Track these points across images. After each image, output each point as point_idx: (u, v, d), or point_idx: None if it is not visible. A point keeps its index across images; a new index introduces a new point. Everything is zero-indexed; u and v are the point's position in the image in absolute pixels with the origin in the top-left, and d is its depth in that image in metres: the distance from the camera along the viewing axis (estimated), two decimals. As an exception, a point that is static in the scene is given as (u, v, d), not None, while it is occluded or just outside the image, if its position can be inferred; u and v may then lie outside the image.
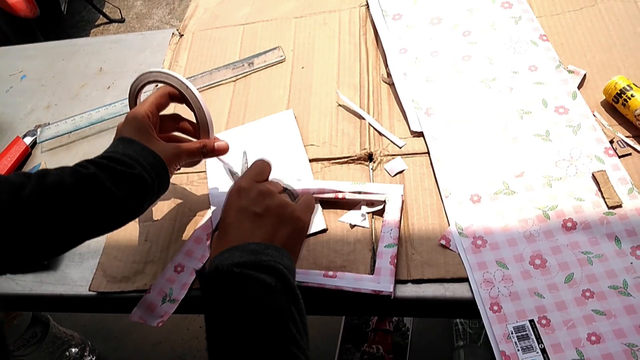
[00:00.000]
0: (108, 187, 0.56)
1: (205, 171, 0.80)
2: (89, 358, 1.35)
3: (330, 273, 0.64)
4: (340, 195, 0.71)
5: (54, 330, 1.25)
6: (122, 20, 2.93)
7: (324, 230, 0.70)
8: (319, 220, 0.70)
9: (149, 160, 0.60)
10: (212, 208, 0.75)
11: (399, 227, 0.67)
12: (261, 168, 0.61)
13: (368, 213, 0.70)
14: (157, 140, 0.63)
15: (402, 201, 0.69)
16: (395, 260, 0.64)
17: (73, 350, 1.32)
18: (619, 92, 0.70)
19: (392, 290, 0.62)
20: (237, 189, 0.57)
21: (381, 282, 0.63)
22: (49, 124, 0.94)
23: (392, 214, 0.68)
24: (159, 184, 0.61)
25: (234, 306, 0.48)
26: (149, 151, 0.61)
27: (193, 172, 0.81)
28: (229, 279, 0.48)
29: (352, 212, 0.71)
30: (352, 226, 0.69)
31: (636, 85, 0.70)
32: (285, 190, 0.61)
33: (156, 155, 0.61)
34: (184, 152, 0.65)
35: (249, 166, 0.63)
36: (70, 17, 2.92)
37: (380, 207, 0.70)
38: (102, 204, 0.56)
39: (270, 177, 0.62)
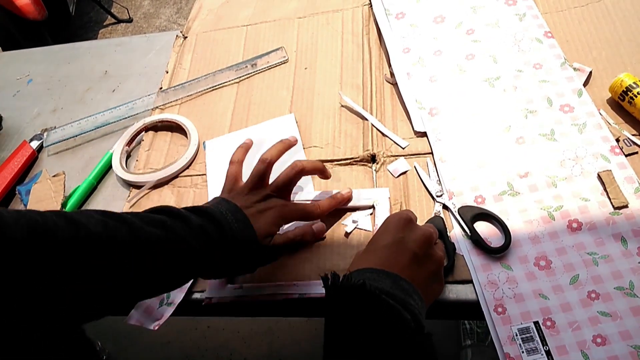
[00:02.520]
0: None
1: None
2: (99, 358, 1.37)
3: None
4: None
5: (63, 331, 1.26)
6: (130, 20, 2.95)
7: (321, 238, 0.69)
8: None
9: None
10: None
11: None
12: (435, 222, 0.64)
13: (354, 223, 0.70)
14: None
15: (390, 205, 0.70)
16: None
17: (83, 350, 1.33)
18: (625, 89, 0.69)
19: None
20: (400, 218, 0.57)
21: None
22: (55, 127, 0.95)
23: (382, 219, 0.68)
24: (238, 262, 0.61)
25: (369, 330, 0.46)
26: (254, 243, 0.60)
27: (197, 175, 0.81)
28: (374, 301, 0.47)
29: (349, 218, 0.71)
30: (347, 234, 0.69)
31: (642, 83, 0.69)
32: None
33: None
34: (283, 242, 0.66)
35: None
36: (78, 19, 2.95)
37: (369, 211, 0.70)
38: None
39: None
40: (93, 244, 0.47)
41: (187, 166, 0.82)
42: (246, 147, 0.72)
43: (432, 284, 0.56)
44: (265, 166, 0.65)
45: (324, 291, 0.51)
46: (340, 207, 0.70)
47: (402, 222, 0.57)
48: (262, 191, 0.65)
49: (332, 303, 0.49)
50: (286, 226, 0.69)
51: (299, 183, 0.71)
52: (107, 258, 0.48)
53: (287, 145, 0.70)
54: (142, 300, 0.64)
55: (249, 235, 0.59)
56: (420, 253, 0.54)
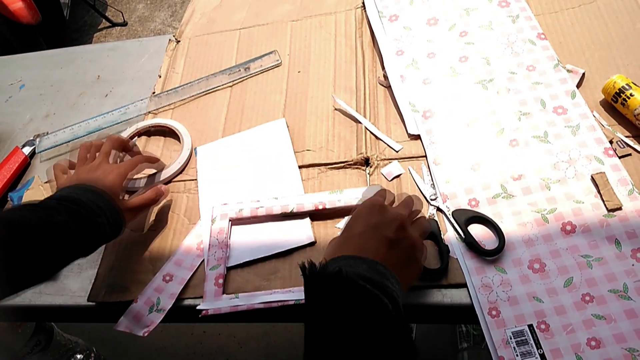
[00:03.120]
0: (75, 235, 0.61)
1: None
2: (94, 364, 1.36)
3: None
4: (320, 207, 0.70)
5: (58, 337, 1.25)
6: (124, 24, 2.94)
7: (312, 244, 0.69)
8: (307, 233, 0.70)
9: (113, 215, 0.65)
10: (202, 219, 0.75)
11: None
12: (409, 202, 0.61)
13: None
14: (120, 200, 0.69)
15: None
16: None
17: (78, 356, 1.32)
18: (618, 91, 0.69)
19: None
20: (372, 204, 0.57)
21: None
22: (47, 133, 0.94)
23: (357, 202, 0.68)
24: (112, 234, 0.66)
25: (350, 317, 0.45)
26: (114, 208, 0.66)
27: (190, 180, 0.80)
28: (352, 288, 0.46)
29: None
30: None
31: (635, 84, 0.69)
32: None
33: (118, 213, 0.66)
34: (141, 207, 0.72)
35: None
36: (73, 22, 2.93)
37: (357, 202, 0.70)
38: (67, 248, 0.61)
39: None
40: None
41: (181, 171, 0.82)
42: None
43: (409, 267, 0.55)
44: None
45: None
46: (334, 207, 0.70)
47: (375, 208, 0.57)
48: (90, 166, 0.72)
49: (310, 292, 0.48)
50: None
51: (285, 184, 0.71)
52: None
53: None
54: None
55: (107, 201, 0.65)
56: (394, 237, 0.54)
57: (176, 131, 0.85)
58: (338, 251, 0.53)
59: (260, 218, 0.72)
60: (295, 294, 0.64)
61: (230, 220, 0.73)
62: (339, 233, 0.68)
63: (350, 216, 0.58)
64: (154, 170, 0.81)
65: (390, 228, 0.54)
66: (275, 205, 0.72)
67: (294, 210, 0.70)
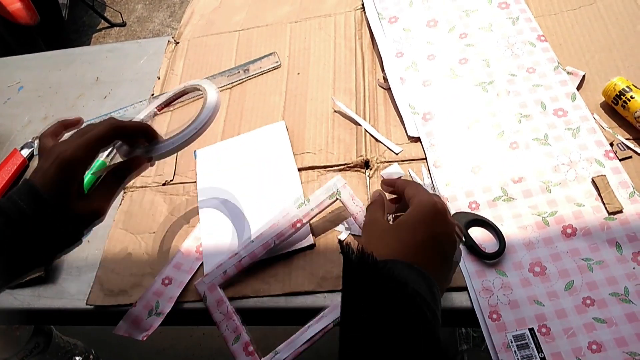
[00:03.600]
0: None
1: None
2: (93, 366, 1.36)
3: None
4: (298, 225, 0.68)
5: (56, 340, 1.25)
6: (123, 24, 2.94)
7: (311, 246, 0.69)
8: (307, 236, 0.69)
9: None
10: (201, 222, 0.74)
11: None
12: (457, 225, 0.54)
13: (347, 230, 0.69)
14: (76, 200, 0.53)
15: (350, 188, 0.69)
16: None
17: (77, 358, 1.31)
18: (618, 93, 0.69)
19: None
20: (438, 210, 0.50)
21: None
22: (46, 135, 0.94)
23: (353, 205, 0.68)
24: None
25: (396, 336, 0.40)
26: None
27: (189, 183, 0.80)
28: (412, 308, 0.41)
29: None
30: (341, 242, 0.68)
31: (636, 87, 0.69)
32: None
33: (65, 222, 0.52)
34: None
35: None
36: (72, 23, 2.93)
37: (330, 200, 0.69)
38: None
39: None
40: None
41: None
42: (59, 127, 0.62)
43: (449, 279, 0.52)
44: None
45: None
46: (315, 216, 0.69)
47: (440, 215, 0.50)
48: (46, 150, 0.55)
49: (358, 288, 0.43)
50: None
51: (285, 187, 0.70)
52: None
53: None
54: None
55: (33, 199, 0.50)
56: (451, 253, 0.50)
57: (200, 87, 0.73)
58: (395, 252, 0.47)
59: (248, 259, 0.69)
60: (328, 317, 0.63)
61: (221, 288, 0.68)
62: (341, 236, 0.68)
63: (410, 211, 0.51)
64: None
65: (450, 243, 0.50)
66: (256, 247, 0.68)
67: (276, 243, 0.68)
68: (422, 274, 0.45)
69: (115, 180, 0.58)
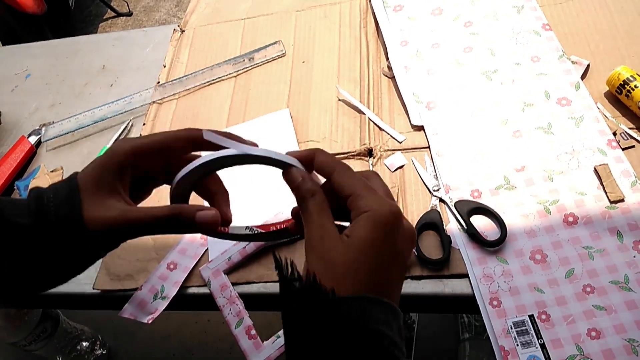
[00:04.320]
0: None
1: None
2: (100, 352, 1.38)
3: None
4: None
5: (64, 325, 1.27)
6: (129, 14, 2.94)
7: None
8: None
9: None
10: None
11: None
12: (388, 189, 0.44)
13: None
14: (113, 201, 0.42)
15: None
16: None
17: (84, 344, 1.34)
18: (622, 82, 0.69)
19: None
20: (395, 217, 0.39)
21: None
22: (53, 122, 0.95)
23: None
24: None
25: None
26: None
27: (194, 170, 0.81)
28: (375, 347, 0.35)
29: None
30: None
31: (640, 76, 0.69)
32: None
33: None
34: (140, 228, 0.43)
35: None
36: (78, 12, 2.94)
37: None
38: None
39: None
40: None
41: None
42: None
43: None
44: None
45: None
46: None
47: (398, 222, 0.40)
48: None
49: (316, 335, 0.35)
50: None
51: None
52: None
53: None
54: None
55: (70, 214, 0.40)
56: (408, 261, 0.44)
57: None
58: (356, 282, 0.37)
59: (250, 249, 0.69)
60: None
61: (225, 274, 0.68)
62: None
63: (366, 229, 0.38)
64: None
65: (409, 250, 0.42)
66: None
67: (279, 228, 0.68)
68: (390, 309, 0.37)
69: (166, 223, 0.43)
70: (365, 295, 0.36)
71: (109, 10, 2.94)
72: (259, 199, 0.74)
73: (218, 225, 0.45)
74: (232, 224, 0.48)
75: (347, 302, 0.35)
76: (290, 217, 0.47)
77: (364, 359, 0.34)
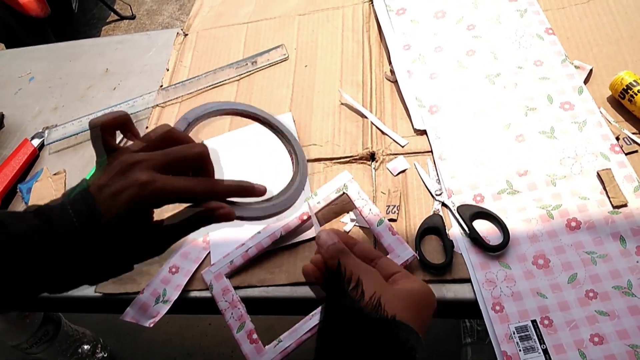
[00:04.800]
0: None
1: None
2: (101, 355, 1.37)
3: None
4: (305, 217, 0.69)
5: (65, 328, 1.27)
6: (132, 17, 2.95)
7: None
8: (312, 227, 0.70)
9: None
10: None
11: (374, 203, 0.69)
12: None
13: (352, 221, 0.70)
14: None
15: (357, 184, 0.70)
16: (395, 230, 0.65)
17: (85, 347, 1.34)
18: (625, 87, 0.69)
19: (414, 253, 0.63)
20: (434, 299, 0.48)
21: (400, 254, 0.63)
22: (56, 125, 0.95)
23: (358, 199, 0.68)
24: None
25: None
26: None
27: (197, 173, 0.81)
28: None
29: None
30: (346, 233, 0.69)
31: (643, 80, 0.68)
32: None
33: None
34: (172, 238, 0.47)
35: None
36: (81, 15, 2.95)
37: (337, 194, 0.70)
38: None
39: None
40: None
41: None
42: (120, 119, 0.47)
43: None
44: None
45: None
46: (321, 210, 0.70)
47: (431, 301, 0.47)
48: (122, 160, 0.44)
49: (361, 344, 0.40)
50: None
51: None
52: None
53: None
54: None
55: (90, 230, 0.42)
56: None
57: None
58: (409, 321, 0.42)
59: (254, 251, 0.69)
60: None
61: (227, 277, 0.68)
62: (346, 227, 0.69)
63: (416, 286, 0.46)
64: None
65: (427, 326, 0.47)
66: (263, 239, 0.69)
67: (282, 234, 0.69)
68: (421, 344, 0.41)
69: (188, 224, 0.46)
70: (412, 327, 0.41)
71: (112, 13, 2.95)
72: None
73: (233, 217, 0.48)
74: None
75: (404, 328, 0.41)
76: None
77: None
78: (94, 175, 0.45)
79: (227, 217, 0.47)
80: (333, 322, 0.41)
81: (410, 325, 0.41)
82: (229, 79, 0.92)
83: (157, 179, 0.43)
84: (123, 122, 0.48)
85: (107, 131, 0.46)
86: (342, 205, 0.71)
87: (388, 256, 0.60)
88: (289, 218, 0.69)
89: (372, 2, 0.95)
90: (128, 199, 0.42)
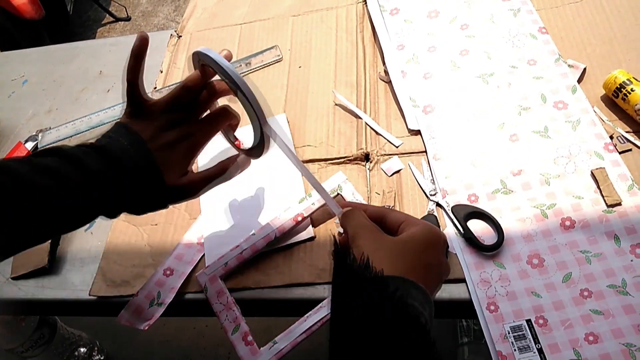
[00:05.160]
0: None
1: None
2: (98, 357, 1.37)
3: None
4: (299, 218, 0.69)
5: (61, 331, 1.27)
6: (128, 19, 2.94)
7: (311, 238, 0.69)
8: (307, 228, 0.70)
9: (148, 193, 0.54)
10: (202, 213, 0.75)
11: (369, 204, 0.69)
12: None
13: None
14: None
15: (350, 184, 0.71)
16: None
17: (82, 350, 1.33)
18: (618, 86, 0.69)
19: None
20: (444, 240, 0.48)
21: None
22: (50, 128, 0.95)
23: (353, 200, 0.69)
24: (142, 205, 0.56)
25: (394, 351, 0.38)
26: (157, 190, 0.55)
27: (191, 175, 0.81)
28: (416, 329, 0.39)
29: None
30: (340, 234, 0.69)
31: (636, 79, 0.69)
32: None
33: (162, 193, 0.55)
34: (201, 184, 0.59)
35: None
36: (76, 17, 2.94)
37: (331, 196, 0.70)
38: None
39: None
40: None
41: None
42: (138, 57, 0.58)
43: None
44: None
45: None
46: (315, 210, 0.70)
47: (443, 247, 0.48)
48: (169, 115, 0.56)
49: (363, 306, 0.40)
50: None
51: (286, 180, 0.70)
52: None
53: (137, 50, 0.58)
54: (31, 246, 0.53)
55: (154, 177, 0.53)
56: (441, 283, 0.49)
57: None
58: (399, 269, 0.43)
59: (249, 252, 0.69)
60: (327, 307, 0.63)
61: (222, 279, 0.68)
62: (340, 228, 0.69)
63: (416, 231, 0.47)
64: None
65: (446, 274, 0.49)
66: (257, 240, 0.69)
67: (277, 236, 0.69)
68: (425, 295, 0.42)
69: (219, 167, 0.60)
70: (406, 277, 0.42)
71: (107, 15, 2.95)
72: (259, 203, 0.74)
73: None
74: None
75: (392, 280, 0.41)
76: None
77: (402, 329, 0.38)
78: (139, 125, 0.55)
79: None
80: (334, 287, 0.43)
81: (402, 274, 0.42)
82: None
83: (200, 128, 0.57)
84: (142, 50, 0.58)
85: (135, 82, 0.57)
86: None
87: None
88: (284, 219, 0.69)
89: (365, 3, 0.95)
90: (187, 148, 0.56)
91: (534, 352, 0.56)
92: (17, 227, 0.48)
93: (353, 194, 0.68)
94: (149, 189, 0.54)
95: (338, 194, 0.69)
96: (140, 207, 0.56)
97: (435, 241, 0.47)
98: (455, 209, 0.67)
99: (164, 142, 0.55)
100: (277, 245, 0.69)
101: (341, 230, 0.69)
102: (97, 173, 0.50)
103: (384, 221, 0.50)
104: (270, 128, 0.55)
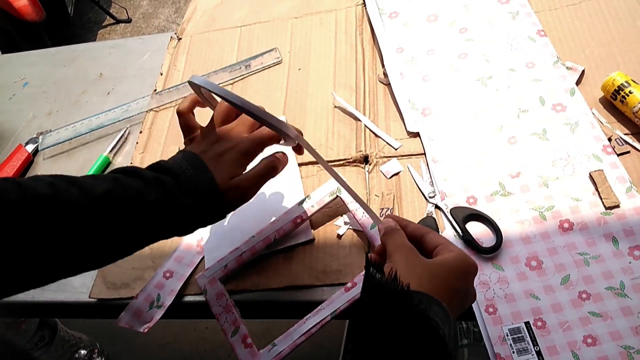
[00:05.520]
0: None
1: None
2: (98, 360, 1.38)
3: (349, 285, 0.64)
4: (298, 220, 0.69)
5: (61, 333, 1.27)
6: (128, 21, 2.95)
7: (311, 241, 0.69)
8: (306, 231, 0.70)
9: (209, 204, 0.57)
10: None
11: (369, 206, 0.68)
12: None
13: (346, 224, 0.70)
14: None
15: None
16: None
17: (82, 352, 1.33)
18: (617, 88, 0.69)
19: None
20: (475, 270, 0.50)
21: None
22: (50, 130, 0.95)
23: (352, 202, 0.68)
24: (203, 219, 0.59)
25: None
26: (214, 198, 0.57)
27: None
28: (437, 345, 0.41)
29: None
30: (340, 236, 0.69)
31: (634, 82, 0.69)
32: None
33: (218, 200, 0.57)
34: (254, 184, 0.60)
35: None
36: (77, 19, 2.95)
37: (330, 198, 0.70)
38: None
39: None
40: (40, 206, 0.48)
41: None
42: (193, 101, 0.63)
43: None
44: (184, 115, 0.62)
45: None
46: (315, 213, 0.70)
47: (474, 276, 0.50)
48: (215, 134, 0.60)
49: (389, 320, 0.43)
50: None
51: (286, 183, 0.70)
52: (56, 218, 0.48)
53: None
54: (105, 263, 0.58)
55: (207, 179, 0.56)
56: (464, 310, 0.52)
57: None
58: (428, 289, 0.46)
59: (248, 254, 0.69)
60: (326, 309, 0.63)
61: (221, 282, 0.69)
62: (340, 230, 0.69)
63: (450, 257, 0.49)
64: None
65: (470, 302, 0.51)
66: (257, 243, 0.69)
67: (276, 238, 0.69)
68: (447, 314, 0.44)
69: (268, 169, 0.61)
70: (431, 296, 0.44)
71: (108, 17, 2.95)
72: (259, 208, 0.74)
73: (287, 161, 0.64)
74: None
75: (417, 294, 0.44)
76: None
77: (421, 339, 0.41)
78: (191, 147, 0.60)
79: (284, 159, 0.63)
80: (362, 297, 0.47)
81: (428, 293, 0.45)
82: (222, 83, 0.92)
83: (248, 139, 0.60)
84: (196, 102, 0.63)
85: (188, 115, 0.62)
86: (335, 208, 0.71)
87: None
88: (283, 222, 0.69)
89: (365, 5, 0.95)
90: (235, 155, 0.58)
91: (533, 355, 0.56)
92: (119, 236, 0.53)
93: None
94: (204, 190, 0.56)
95: (337, 196, 0.70)
96: (199, 213, 0.57)
97: (467, 270, 0.49)
98: (454, 211, 0.67)
99: (213, 153, 0.59)
100: (277, 248, 0.69)
101: (341, 232, 0.69)
102: (155, 179, 0.54)
103: (422, 241, 0.52)
104: (302, 138, 0.58)
